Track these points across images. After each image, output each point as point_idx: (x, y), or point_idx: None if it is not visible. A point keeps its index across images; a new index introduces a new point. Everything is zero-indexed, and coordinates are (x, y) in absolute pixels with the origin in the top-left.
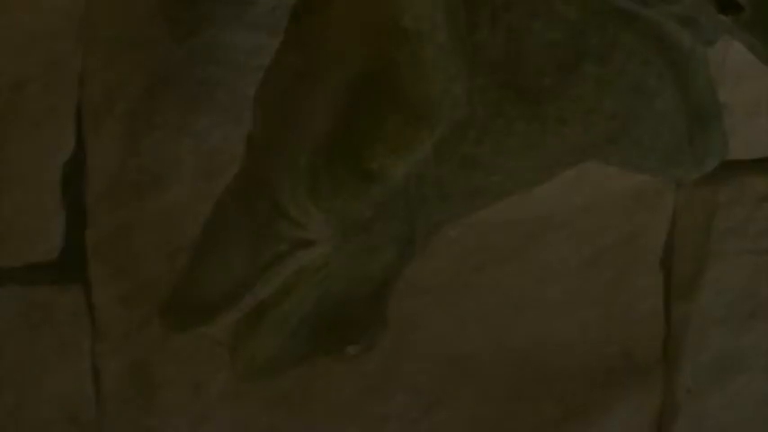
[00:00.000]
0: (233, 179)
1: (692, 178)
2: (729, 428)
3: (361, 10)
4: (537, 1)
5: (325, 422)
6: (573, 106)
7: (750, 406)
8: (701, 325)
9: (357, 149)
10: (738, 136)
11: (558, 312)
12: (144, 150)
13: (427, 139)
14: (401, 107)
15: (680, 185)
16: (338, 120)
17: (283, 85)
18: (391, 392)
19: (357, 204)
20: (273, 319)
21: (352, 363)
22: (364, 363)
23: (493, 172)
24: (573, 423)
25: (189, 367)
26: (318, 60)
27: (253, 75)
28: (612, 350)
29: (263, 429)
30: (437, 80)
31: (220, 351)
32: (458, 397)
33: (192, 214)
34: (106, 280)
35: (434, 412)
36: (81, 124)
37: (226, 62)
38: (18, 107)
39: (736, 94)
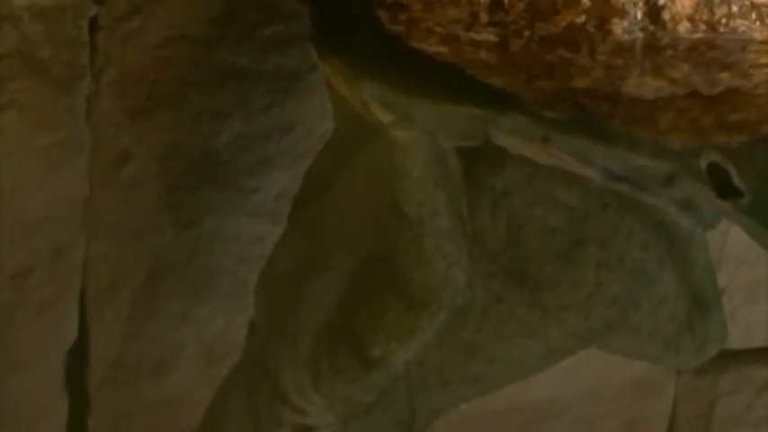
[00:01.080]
0: (236, 365)
1: (692, 367)
2: None
3: (362, 197)
4: (538, 187)
5: None
6: (573, 292)
7: None
8: None
9: (358, 336)
10: (738, 323)
11: None
12: (146, 337)
13: (428, 326)
14: (402, 294)
15: (680, 374)
16: (339, 305)
17: (285, 272)
18: None
19: (358, 390)
20: None
21: None
22: None
23: (493, 359)
24: None
25: None
26: (320, 246)
27: (255, 263)
28: None
29: None
30: (438, 267)
31: None
32: None
33: (193, 400)
34: None
35: None
36: (84, 311)
37: (228, 251)
38: (23, 295)
39: (736, 280)
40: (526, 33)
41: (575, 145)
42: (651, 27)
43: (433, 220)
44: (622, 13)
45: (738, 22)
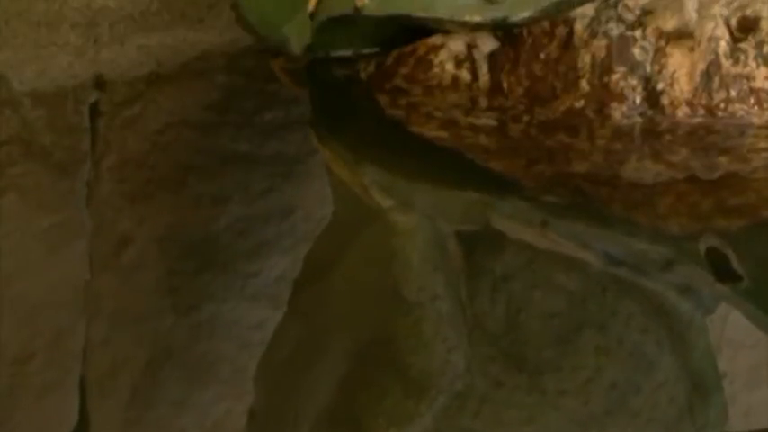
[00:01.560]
0: None
1: None
2: None
3: (362, 281)
4: (537, 272)
5: None
6: (572, 377)
7: None
8: None
9: (358, 420)
10: (738, 406)
11: None
12: (146, 423)
13: (427, 411)
14: (401, 378)
15: None
16: (339, 390)
17: (285, 357)
18: None
19: None
20: None
21: None
22: None
23: None
24: None
25: None
26: (320, 331)
27: (255, 348)
28: None
29: None
30: (437, 351)
31: None
32: None
33: None
34: None
35: None
36: (84, 396)
37: (228, 336)
38: (22, 380)
39: (736, 363)
40: (525, 118)
41: (574, 229)
42: (650, 112)
43: (432, 305)
44: (621, 98)
45: (737, 106)
